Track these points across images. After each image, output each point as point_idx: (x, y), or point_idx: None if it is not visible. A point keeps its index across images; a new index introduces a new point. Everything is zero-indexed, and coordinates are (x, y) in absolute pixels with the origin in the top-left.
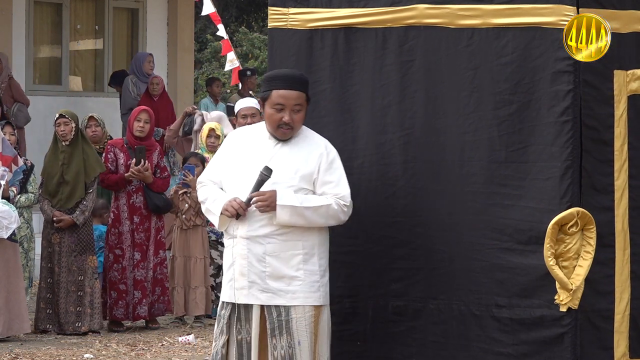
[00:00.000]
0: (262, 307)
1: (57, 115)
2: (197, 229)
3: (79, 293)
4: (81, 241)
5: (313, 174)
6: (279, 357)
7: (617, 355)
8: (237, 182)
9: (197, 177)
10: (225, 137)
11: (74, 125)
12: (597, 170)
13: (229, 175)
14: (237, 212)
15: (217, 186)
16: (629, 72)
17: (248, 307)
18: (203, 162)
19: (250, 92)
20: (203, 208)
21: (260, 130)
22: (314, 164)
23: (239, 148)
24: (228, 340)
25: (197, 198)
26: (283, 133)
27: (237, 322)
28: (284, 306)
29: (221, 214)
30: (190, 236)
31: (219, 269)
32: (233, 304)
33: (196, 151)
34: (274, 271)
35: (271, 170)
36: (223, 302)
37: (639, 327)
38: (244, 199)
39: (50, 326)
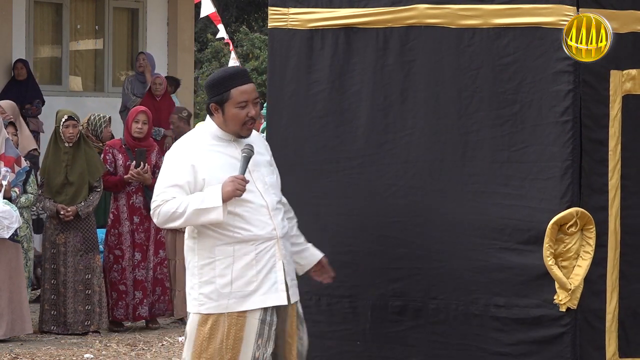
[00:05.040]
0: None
1: (65, 117)
2: None
3: (87, 292)
4: (86, 240)
5: (272, 161)
6: (302, 349)
7: (608, 355)
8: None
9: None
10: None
11: (80, 127)
12: (594, 170)
13: (207, 186)
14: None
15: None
16: (624, 72)
17: (280, 307)
18: None
19: None
20: (188, 214)
21: (203, 135)
22: (267, 154)
23: (196, 159)
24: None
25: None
26: (248, 130)
27: (278, 325)
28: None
29: (224, 202)
30: None
31: None
32: (277, 308)
33: None
34: (293, 266)
35: (253, 147)
36: (264, 308)
37: (626, 327)
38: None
39: (55, 327)
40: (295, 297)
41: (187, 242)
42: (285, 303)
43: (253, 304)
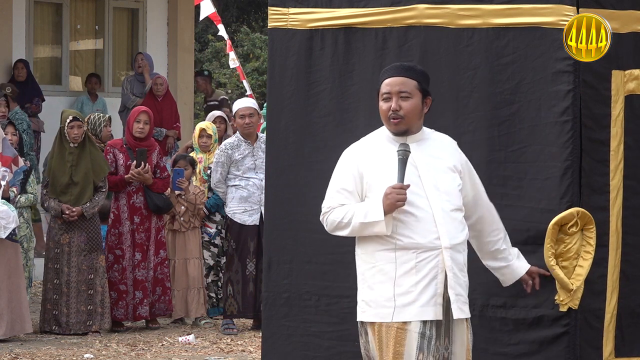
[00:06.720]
0: (461, 320)
1: (70, 118)
2: (195, 231)
3: (89, 292)
4: (90, 240)
5: (457, 167)
6: None
7: (605, 354)
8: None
9: (187, 179)
10: (216, 135)
11: (85, 127)
12: (594, 170)
13: (372, 192)
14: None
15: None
16: (627, 72)
17: (448, 323)
18: (193, 164)
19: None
20: (353, 226)
21: (377, 137)
22: (450, 159)
23: (363, 163)
24: None
25: (194, 200)
26: (394, 125)
27: (437, 339)
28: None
29: (386, 214)
30: (188, 238)
31: (209, 269)
32: (437, 322)
33: (185, 154)
34: (467, 281)
35: (408, 146)
36: (423, 321)
37: (623, 327)
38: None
39: (56, 327)
40: (461, 313)
41: (356, 248)
42: (440, 318)
43: (410, 315)
